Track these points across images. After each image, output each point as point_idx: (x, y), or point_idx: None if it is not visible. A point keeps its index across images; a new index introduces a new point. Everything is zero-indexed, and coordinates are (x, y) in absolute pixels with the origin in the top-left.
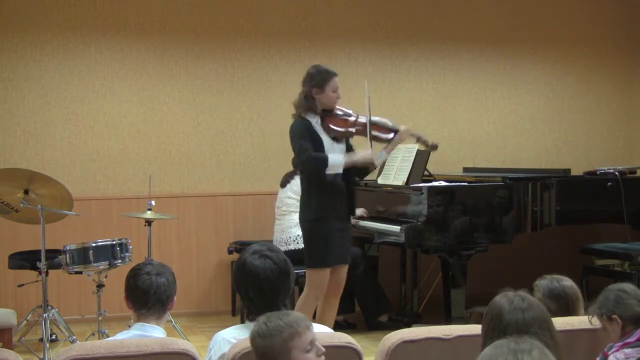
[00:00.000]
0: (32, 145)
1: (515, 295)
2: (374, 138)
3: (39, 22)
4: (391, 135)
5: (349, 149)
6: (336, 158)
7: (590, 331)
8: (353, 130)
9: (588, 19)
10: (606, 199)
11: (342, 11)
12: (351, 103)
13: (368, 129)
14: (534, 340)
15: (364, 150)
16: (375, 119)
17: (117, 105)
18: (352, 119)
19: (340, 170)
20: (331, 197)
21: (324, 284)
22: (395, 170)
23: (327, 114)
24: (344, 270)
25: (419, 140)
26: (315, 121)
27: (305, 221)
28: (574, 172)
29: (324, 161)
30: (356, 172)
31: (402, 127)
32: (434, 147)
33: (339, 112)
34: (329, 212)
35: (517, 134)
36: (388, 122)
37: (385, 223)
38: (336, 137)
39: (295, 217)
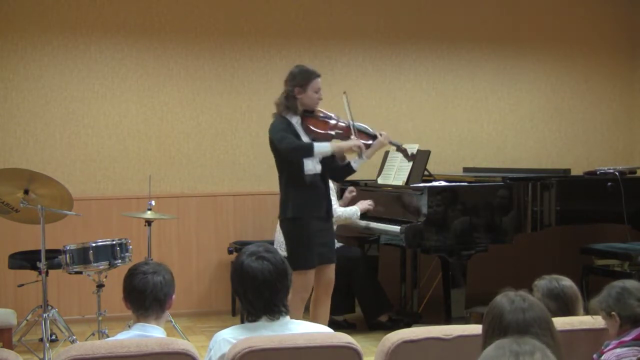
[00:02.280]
0: (32, 145)
1: (516, 295)
2: None
3: (39, 22)
4: (370, 142)
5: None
6: (322, 144)
7: (590, 331)
8: (333, 133)
9: (588, 19)
10: (606, 199)
11: (342, 11)
12: (350, 98)
13: (352, 128)
14: (535, 341)
15: (351, 140)
16: (357, 124)
17: (117, 105)
18: (333, 122)
19: (328, 154)
20: (309, 197)
21: (308, 285)
22: (395, 170)
23: (308, 115)
24: (330, 269)
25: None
26: (295, 121)
27: (283, 221)
28: (574, 172)
29: (309, 147)
30: (335, 174)
31: (383, 133)
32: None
33: (320, 114)
34: (307, 212)
35: (517, 134)
36: (368, 129)
37: (385, 223)
38: (316, 139)
39: None
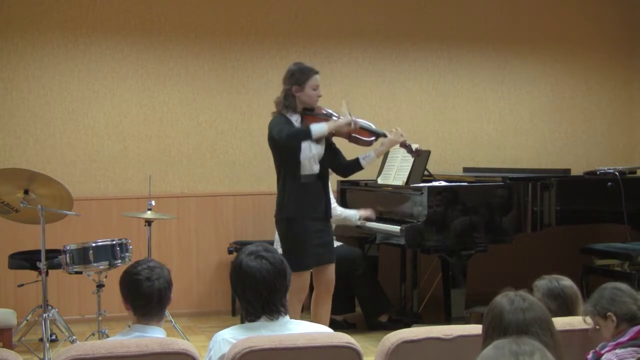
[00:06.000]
0: (32, 145)
1: (516, 295)
2: (354, 140)
3: (39, 22)
4: (372, 138)
5: (331, 147)
6: (319, 125)
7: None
8: (334, 131)
9: (588, 19)
10: (606, 199)
11: (341, 11)
12: (350, 104)
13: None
14: (534, 341)
15: (343, 118)
16: (360, 121)
17: (117, 105)
18: (333, 119)
19: (325, 133)
20: (306, 197)
21: (305, 286)
22: (395, 170)
23: (308, 113)
24: (330, 269)
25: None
26: (295, 119)
27: (279, 221)
28: (574, 172)
29: (307, 131)
30: (342, 170)
31: (394, 130)
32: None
33: (320, 112)
34: (303, 212)
35: (517, 134)
36: (372, 126)
37: (385, 223)
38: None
39: None
